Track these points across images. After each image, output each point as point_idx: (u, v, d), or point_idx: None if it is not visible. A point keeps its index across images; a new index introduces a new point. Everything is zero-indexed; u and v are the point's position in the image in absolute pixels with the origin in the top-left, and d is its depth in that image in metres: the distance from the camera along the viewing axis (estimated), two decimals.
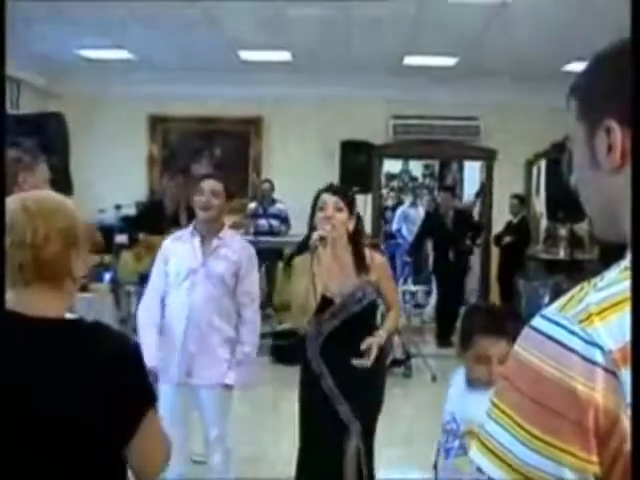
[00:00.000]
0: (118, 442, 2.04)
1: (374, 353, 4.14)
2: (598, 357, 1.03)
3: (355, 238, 4.32)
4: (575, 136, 1.27)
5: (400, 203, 16.26)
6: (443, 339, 10.83)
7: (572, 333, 1.06)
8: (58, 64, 10.92)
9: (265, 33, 9.19)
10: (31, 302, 2.05)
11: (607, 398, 1.02)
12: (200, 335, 4.50)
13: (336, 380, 4.24)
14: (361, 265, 4.26)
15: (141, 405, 2.08)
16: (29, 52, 10.24)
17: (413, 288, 11.18)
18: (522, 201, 11.46)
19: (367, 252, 4.34)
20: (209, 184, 4.63)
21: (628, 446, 1.03)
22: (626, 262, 1.13)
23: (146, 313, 4.59)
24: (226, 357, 4.58)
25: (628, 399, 1.02)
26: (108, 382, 2.01)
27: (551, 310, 1.12)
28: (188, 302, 4.48)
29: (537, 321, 1.12)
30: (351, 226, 4.27)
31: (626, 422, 1.02)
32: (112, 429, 2.02)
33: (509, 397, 1.11)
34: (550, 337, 1.08)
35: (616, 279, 1.10)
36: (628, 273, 1.10)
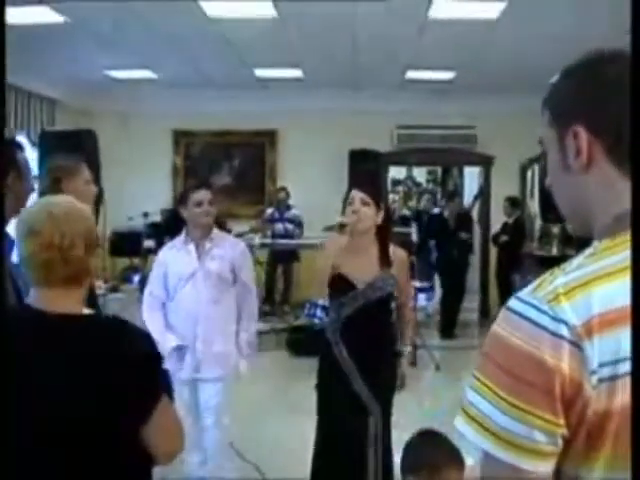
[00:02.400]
0: (132, 428, 2.05)
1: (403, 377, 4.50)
2: (564, 331, 1.09)
3: (382, 232, 4.29)
4: (548, 142, 1.32)
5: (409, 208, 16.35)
6: (446, 332, 10.86)
7: (541, 312, 1.11)
8: (89, 84, 10.99)
9: (278, 52, 9.24)
10: (53, 299, 2.07)
11: (572, 368, 1.08)
12: (206, 333, 4.52)
13: (355, 361, 4.25)
14: (384, 258, 4.24)
15: (154, 393, 2.09)
16: (63, 74, 10.32)
17: (418, 284, 11.18)
18: (514, 203, 11.44)
19: (391, 247, 4.31)
20: (206, 195, 4.55)
21: (591, 411, 1.09)
22: (591, 249, 1.19)
23: (149, 314, 4.60)
24: (230, 349, 4.62)
25: (591, 368, 1.08)
26: (123, 372, 2.02)
27: (524, 292, 1.17)
28: (191, 303, 4.50)
29: (512, 302, 1.18)
30: (379, 219, 4.24)
31: (589, 389, 1.08)
32: (127, 416, 2.03)
33: (488, 370, 1.16)
34: (523, 316, 1.13)
35: (582, 263, 1.16)
36: (593, 258, 1.16)
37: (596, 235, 1.23)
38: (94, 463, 2.03)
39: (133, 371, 2.05)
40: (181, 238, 4.65)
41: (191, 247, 4.56)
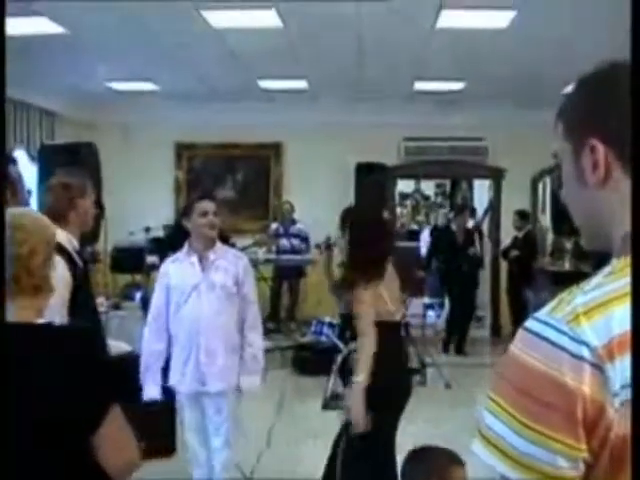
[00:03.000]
0: (81, 437, 2.05)
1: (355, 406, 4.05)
2: (585, 353, 1.07)
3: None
4: (563, 155, 1.31)
5: (417, 222, 16.46)
6: (458, 348, 10.84)
7: (561, 332, 1.10)
8: (90, 96, 11.03)
9: (283, 63, 9.27)
10: (14, 311, 2.10)
11: (593, 390, 1.06)
12: (209, 344, 4.53)
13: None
14: None
15: (103, 401, 2.10)
16: (63, 86, 10.36)
17: (427, 300, 11.16)
18: (523, 217, 11.44)
19: None
20: (210, 205, 4.60)
21: (613, 434, 1.07)
22: (609, 267, 1.17)
23: (149, 348, 4.63)
24: (235, 363, 4.63)
25: (613, 391, 1.06)
26: (72, 379, 2.04)
27: (542, 312, 1.15)
28: (195, 315, 4.51)
29: (530, 323, 1.15)
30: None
31: (611, 412, 1.06)
32: (75, 425, 2.04)
33: (505, 392, 1.14)
34: (541, 336, 1.11)
35: (601, 283, 1.14)
36: (612, 277, 1.14)
37: (614, 252, 1.22)
38: (42, 473, 2.04)
39: (80, 379, 2.06)
40: (184, 250, 4.67)
41: (194, 259, 4.59)
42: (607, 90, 1.24)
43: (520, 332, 1.17)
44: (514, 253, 11.17)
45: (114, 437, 2.11)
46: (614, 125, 1.21)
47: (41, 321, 2.16)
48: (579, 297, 1.13)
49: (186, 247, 4.66)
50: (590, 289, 1.14)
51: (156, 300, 4.67)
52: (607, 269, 1.18)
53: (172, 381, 4.59)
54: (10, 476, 2.02)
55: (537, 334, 1.13)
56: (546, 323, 1.13)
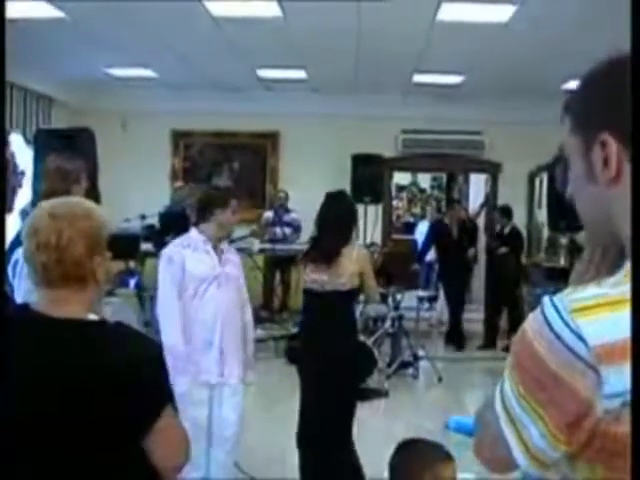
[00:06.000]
0: (134, 438, 2.04)
1: None
2: (582, 351, 1.08)
3: None
4: (570, 151, 1.28)
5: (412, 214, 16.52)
6: (451, 340, 10.86)
7: (564, 323, 1.10)
8: (87, 82, 11.01)
9: (281, 53, 9.26)
10: (54, 302, 2.07)
11: (586, 388, 1.08)
12: (229, 336, 4.53)
13: None
14: None
15: (158, 404, 2.08)
16: (61, 71, 10.33)
17: (421, 293, 11.16)
18: (505, 213, 11.28)
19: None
20: (236, 204, 4.71)
21: (602, 430, 1.09)
22: (625, 268, 1.16)
23: (178, 337, 4.37)
24: (243, 356, 4.67)
25: (608, 392, 1.07)
26: (127, 380, 2.00)
27: (559, 295, 1.16)
28: (217, 306, 4.49)
29: (545, 301, 1.16)
30: None
31: (600, 410, 1.08)
32: (129, 426, 2.03)
33: (515, 366, 1.18)
34: (547, 322, 1.13)
35: (617, 282, 1.14)
36: (628, 278, 1.13)
37: (628, 252, 1.19)
38: (92, 468, 2.03)
39: (135, 381, 2.03)
40: (199, 237, 4.56)
41: (209, 248, 4.56)
42: (619, 84, 1.19)
43: (538, 310, 1.17)
44: (502, 250, 10.91)
45: (168, 437, 2.10)
46: (627, 120, 1.17)
47: (92, 317, 2.11)
48: (593, 289, 1.14)
49: (202, 235, 4.57)
50: (606, 285, 1.14)
51: (172, 284, 4.47)
52: (624, 269, 1.17)
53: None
54: (54, 469, 2.02)
55: (545, 317, 1.13)
56: (555, 307, 1.13)
